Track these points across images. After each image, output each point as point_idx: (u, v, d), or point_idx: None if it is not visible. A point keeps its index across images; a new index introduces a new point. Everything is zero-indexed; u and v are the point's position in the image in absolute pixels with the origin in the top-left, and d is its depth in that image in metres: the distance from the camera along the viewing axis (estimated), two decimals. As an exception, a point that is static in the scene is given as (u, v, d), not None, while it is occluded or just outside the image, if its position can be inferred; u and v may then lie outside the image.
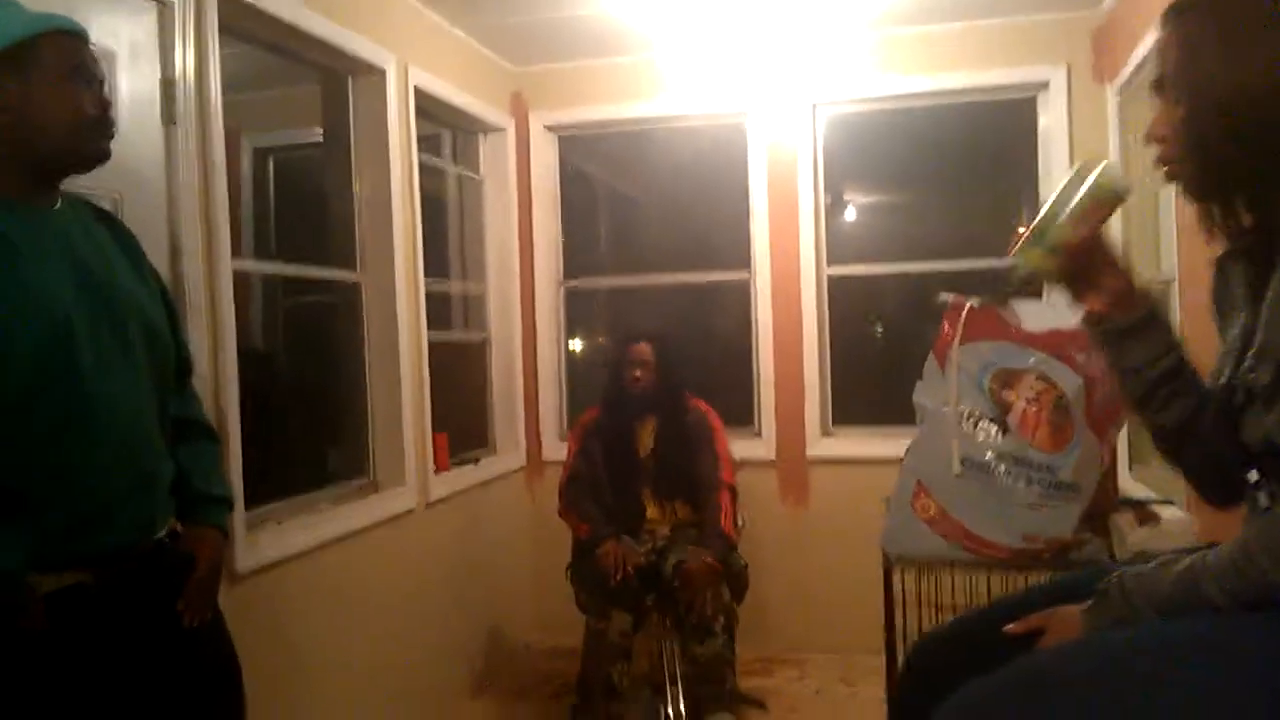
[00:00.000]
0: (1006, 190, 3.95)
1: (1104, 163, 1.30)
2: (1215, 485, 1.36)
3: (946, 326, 2.41)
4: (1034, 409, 2.29)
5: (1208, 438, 1.27)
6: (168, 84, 2.11)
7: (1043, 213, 1.30)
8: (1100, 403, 2.29)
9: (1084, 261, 1.28)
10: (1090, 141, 3.56)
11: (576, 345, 4.26)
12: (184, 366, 1.67)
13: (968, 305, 2.41)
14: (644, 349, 3.25)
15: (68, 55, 1.39)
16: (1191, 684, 1.03)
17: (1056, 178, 3.60)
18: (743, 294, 3.96)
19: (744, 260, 3.94)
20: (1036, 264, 1.30)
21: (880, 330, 4.12)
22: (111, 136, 1.47)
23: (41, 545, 1.34)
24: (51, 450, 1.35)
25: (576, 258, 4.21)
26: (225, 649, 1.62)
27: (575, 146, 4.19)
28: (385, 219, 3.03)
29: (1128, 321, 1.29)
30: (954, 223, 4.06)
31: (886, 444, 3.67)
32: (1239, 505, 1.36)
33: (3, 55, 1.33)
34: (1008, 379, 2.32)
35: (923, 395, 2.43)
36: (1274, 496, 1.14)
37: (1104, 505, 2.43)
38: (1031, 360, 2.32)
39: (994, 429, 2.30)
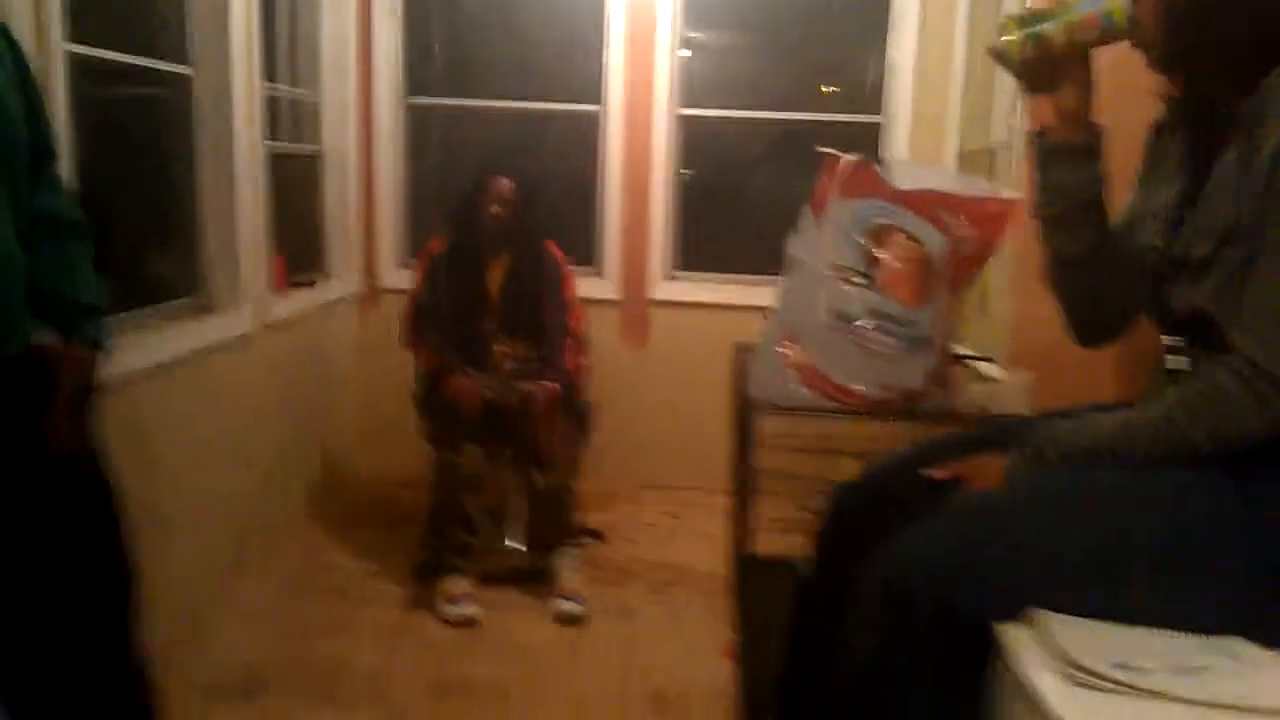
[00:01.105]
0: (859, 46, 3.99)
1: None
2: (1089, 325, 1.47)
3: (824, 180, 2.45)
4: (901, 266, 2.39)
5: (1112, 284, 1.36)
6: None
7: (1049, 7, 1.32)
8: (959, 262, 2.43)
9: (1056, 68, 1.32)
10: (940, 5, 3.63)
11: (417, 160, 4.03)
12: (42, 152, 1.45)
13: (844, 160, 2.46)
14: (506, 185, 3.10)
15: None
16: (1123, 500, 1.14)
17: (905, 37, 3.70)
18: (589, 126, 3.84)
19: (594, 92, 3.81)
20: (1012, 45, 1.33)
21: (687, 175, 4.10)
22: None
23: None
24: None
25: (415, 74, 3.93)
26: (97, 478, 1.47)
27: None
28: (222, 4, 2.68)
29: (1070, 142, 1.35)
30: (809, 75, 4.07)
31: (729, 291, 3.79)
32: (1102, 346, 1.49)
33: None
34: (879, 236, 2.40)
35: (797, 247, 2.47)
36: (1194, 361, 1.24)
37: (945, 359, 2.61)
38: (902, 219, 2.40)
39: (863, 284, 2.39)
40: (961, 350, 3.11)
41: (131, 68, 2.55)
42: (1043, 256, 1.45)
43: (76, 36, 2.13)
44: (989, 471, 1.31)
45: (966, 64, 3.57)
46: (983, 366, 2.92)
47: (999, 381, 2.53)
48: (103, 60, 2.37)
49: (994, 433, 1.42)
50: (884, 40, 3.78)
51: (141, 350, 2.33)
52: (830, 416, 2.47)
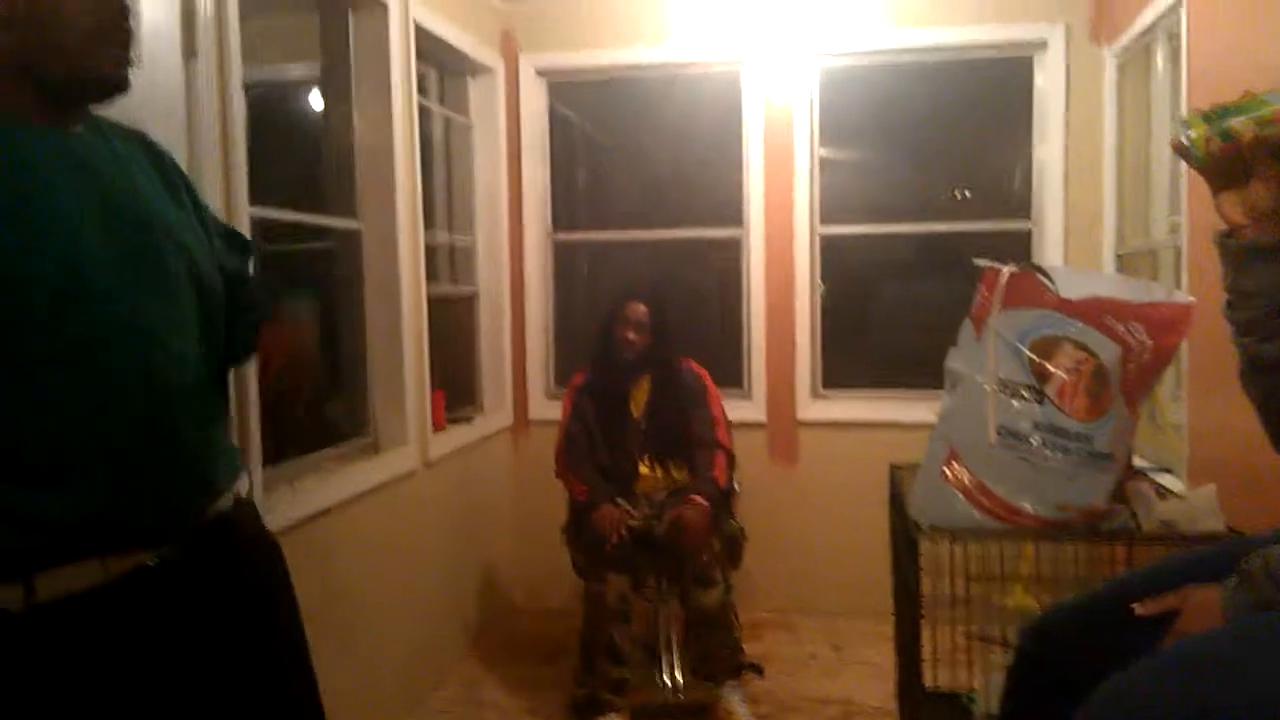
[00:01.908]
0: (1000, 151, 3.95)
1: None
2: None
3: (984, 292, 2.38)
4: (1073, 378, 2.28)
5: None
6: (188, 14, 1.94)
7: (1236, 101, 1.27)
8: (1135, 372, 2.30)
9: (1244, 164, 1.26)
10: (1086, 104, 3.57)
11: (564, 293, 4.15)
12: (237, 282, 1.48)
13: (1005, 271, 2.39)
14: (639, 309, 3.14)
15: None
16: None
17: (1051, 138, 3.64)
18: (733, 251, 3.89)
19: (736, 216, 3.87)
20: (1197, 141, 1.28)
21: (825, 291, 4.07)
22: (128, 50, 1.28)
23: (79, 517, 1.16)
24: (78, 401, 1.16)
25: (562, 209, 4.09)
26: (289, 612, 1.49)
27: (563, 91, 4.05)
28: (387, 163, 2.88)
29: (1262, 242, 1.27)
30: (946, 182, 4.04)
31: (878, 408, 3.71)
32: None
33: None
34: (1047, 347, 2.30)
35: (957, 361, 2.40)
36: None
37: (1126, 475, 2.45)
38: (1070, 329, 2.30)
39: (1031, 398, 2.29)
40: (1137, 463, 2.93)
41: (307, 225, 2.75)
42: (1238, 360, 1.36)
43: (257, 199, 2.30)
44: (1205, 607, 1.20)
45: (1118, 161, 3.47)
46: (1162, 479, 2.74)
47: (1185, 497, 2.35)
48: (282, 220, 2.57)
49: (1200, 560, 1.31)
50: (1028, 142, 3.73)
51: (317, 493, 2.43)
52: (1004, 539, 2.35)
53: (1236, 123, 1.26)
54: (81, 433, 1.17)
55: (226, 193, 2.06)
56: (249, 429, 2.10)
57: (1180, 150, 1.31)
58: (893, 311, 4.05)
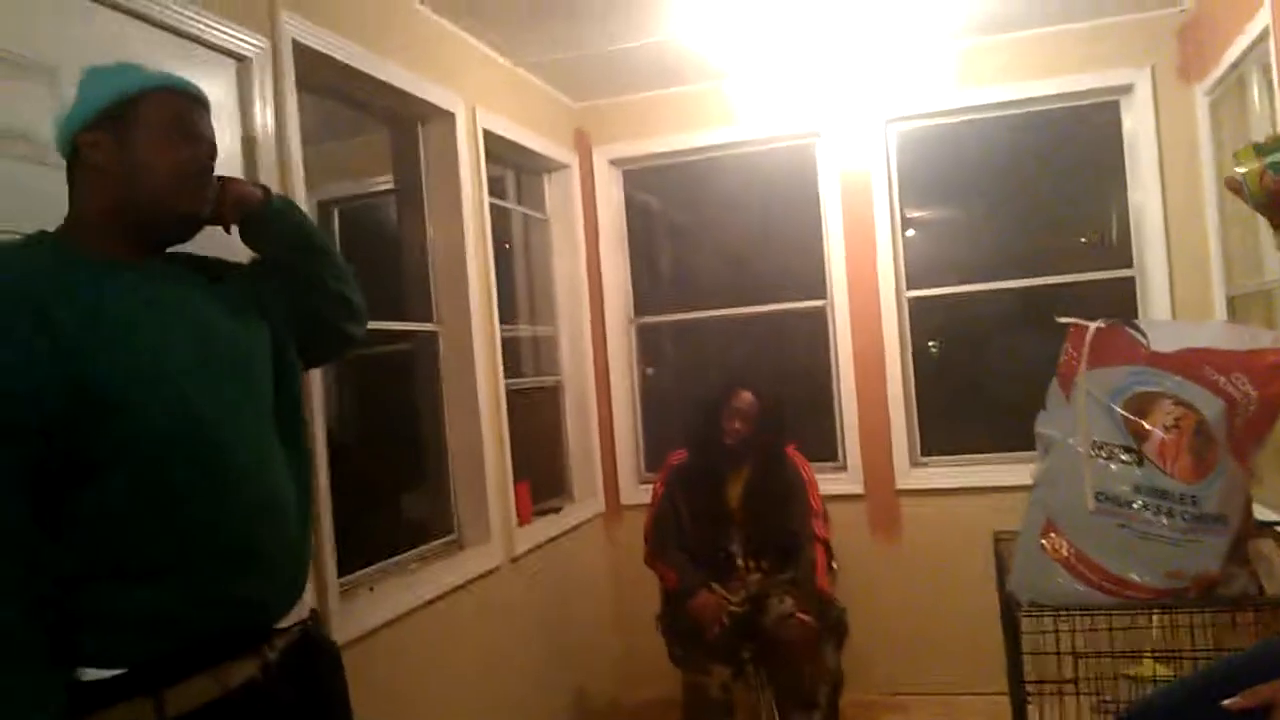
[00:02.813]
0: (1092, 200, 3.79)
1: None
2: None
3: (1070, 350, 2.26)
4: (1173, 436, 2.12)
5: None
6: (249, 142, 2.05)
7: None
8: (1242, 425, 2.13)
9: None
10: (1180, 144, 3.40)
11: (650, 376, 4.14)
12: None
13: (1092, 327, 2.26)
14: (747, 398, 3.09)
15: (168, 110, 1.35)
16: None
17: (1146, 182, 3.47)
18: (817, 323, 3.83)
19: (819, 288, 3.81)
20: (1251, 176, 1.18)
21: (935, 350, 3.94)
22: (211, 194, 1.42)
23: (193, 618, 1.27)
24: (189, 520, 1.28)
25: (642, 292, 4.11)
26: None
27: (639, 178, 4.10)
28: (460, 266, 2.95)
29: None
30: (1036, 236, 3.89)
31: (982, 473, 3.53)
32: None
33: (104, 115, 1.31)
34: (1141, 405, 2.16)
35: (1047, 425, 2.27)
36: None
37: (1245, 533, 2.25)
38: (1166, 384, 2.15)
39: (1129, 460, 2.14)
40: (1267, 517, 2.70)
41: (388, 331, 2.83)
42: None
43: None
44: None
45: (1219, 200, 3.28)
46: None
47: (1320, 557, 2.14)
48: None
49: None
50: (1123, 188, 3.57)
51: (397, 596, 2.45)
52: (1113, 613, 2.17)
53: None
54: (194, 541, 1.28)
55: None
56: (321, 536, 2.13)
57: (1234, 187, 1.22)
58: (992, 372, 3.88)
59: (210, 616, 1.29)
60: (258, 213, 1.52)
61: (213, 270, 1.49)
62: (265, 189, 1.56)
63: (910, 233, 3.84)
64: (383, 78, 2.56)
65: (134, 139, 1.32)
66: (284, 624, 1.40)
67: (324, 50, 2.31)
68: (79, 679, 1.19)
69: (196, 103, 1.40)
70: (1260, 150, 1.20)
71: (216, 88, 2.00)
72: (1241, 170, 1.21)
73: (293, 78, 2.19)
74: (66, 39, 1.65)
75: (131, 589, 1.23)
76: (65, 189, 1.34)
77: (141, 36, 1.81)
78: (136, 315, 1.29)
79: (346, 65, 2.42)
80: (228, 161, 2.02)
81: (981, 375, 3.89)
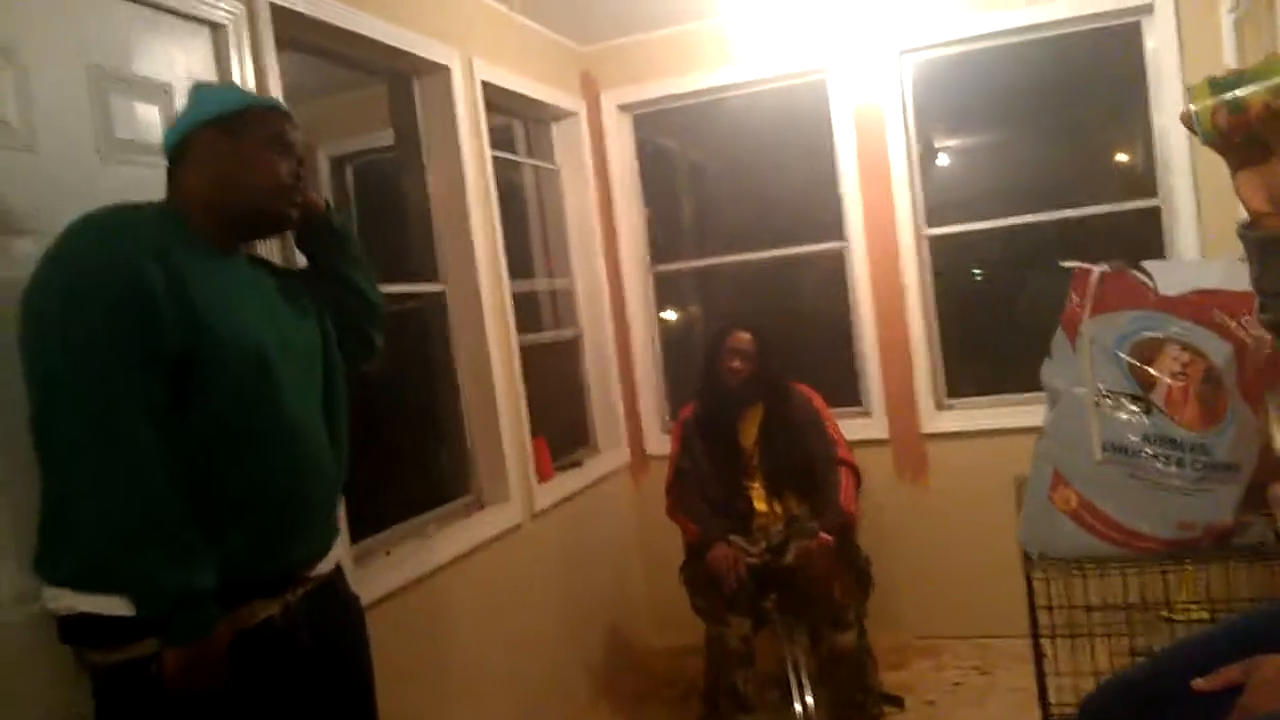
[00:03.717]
0: (1115, 124, 3.65)
1: None
2: None
3: (1074, 297, 2.21)
4: (1180, 383, 2.07)
5: None
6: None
7: (1256, 65, 1.12)
8: (1254, 369, 2.07)
9: (1259, 138, 1.10)
10: (1204, 65, 3.23)
11: (670, 322, 4.12)
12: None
13: (1096, 271, 2.20)
14: (743, 338, 3.08)
15: (270, 126, 1.58)
16: None
17: (1170, 106, 3.32)
18: (836, 265, 3.76)
19: (836, 229, 3.73)
20: (1203, 112, 1.12)
21: (980, 277, 3.84)
22: (300, 203, 1.65)
23: (241, 557, 1.45)
24: (257, 463, 1.48)
25: (665, 238, 4.06)
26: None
27: (650, 122, 4.03)
28: (463, 223, 2.93)
29: None
30: (1059, 165, 3.77)
31: (1008, 414, 3.47)
32: None
33: (220, 121, 1.54)
34: (1148, 351, 2.11)
35: (1053, 375, 2.23)
36: None
37: (1264, 478, 2.20)
38: (1173, 328, 2.10)
39: (1137, 408, 2.09)
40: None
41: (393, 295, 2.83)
42: None
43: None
44: (1276, 680, 1.04)
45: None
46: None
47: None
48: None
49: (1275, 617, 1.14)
50: (1147, 112, 3.42)
51: (417, 558, 2.50)
52: (1125, 565, 2.15)
53: (1247, 91, 1.09)
54: (257, 483, 1.48)
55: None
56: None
57: (1186, 122, 1.15)
58: (1018, 309, 3.79)
59: (262, 556, 1.48)
60: (320, 222, 1.75)
61: (276, 270, 1.74)
62: (327, 201, 1.79)
63: (934, 163, 3.74)
64: (367, 34, 2.51)
65: (244, 145, 1.54)
66: (312, 574, 1.60)
67: (302, 10, 2.27)
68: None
69: (290, 120, 1.62)
70: (1215, 86, 1.13)
71: (191, 57, 1.99)
72: (1194, 106, 1.14)
73: (271, 41, 2.16)
74: (29, 11, 1.63)
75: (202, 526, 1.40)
76: (15, 171, 1.54)
77: (110, 7, 1.79)
78: (229, 285, 1.52)
79: (327, 23, 2.38)
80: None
81: (1007, 313, 3.81)
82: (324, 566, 1.64)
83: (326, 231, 1.77)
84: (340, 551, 1.70)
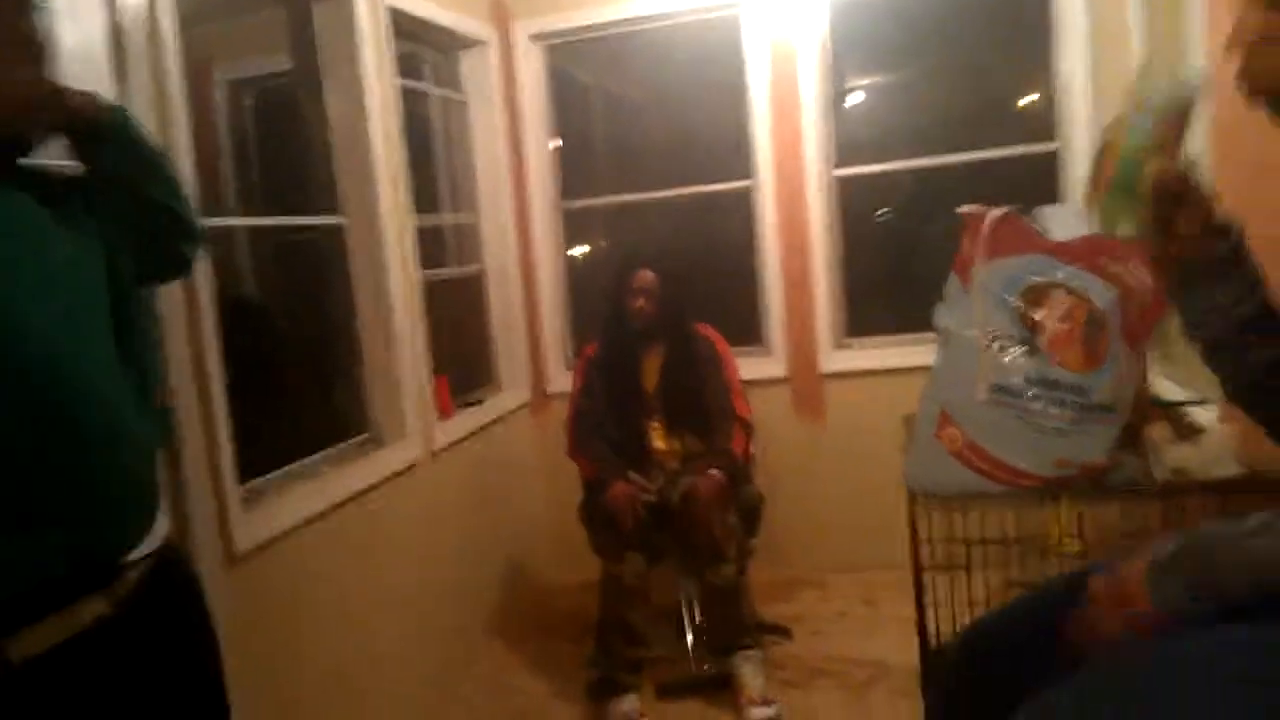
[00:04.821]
0: (1021, 67, 3.70)
1: (1159, 81, 1.14)
2: None
3: (967, 242, 2.24)
4: (1065, 327, 2.13)
5: None
6: (116, 30, 1.91)
7: (1120, 158, 1.14)
8: (1137, 314, 2.14)
9: (1174, 198, 1.13)
10: (1109, 12, 3.30)
11: (579, 259, 4.09)
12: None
13: (989, 217, 2.24)
14: (646, 276, 3.08)
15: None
16: None
17: (1073, 52, 3.38)
18: (745, 204, 3.76)
19: (745, 168, 3.73)
20: (1127, 220, 1.16)
21: (886, 218, 3.90)
22: (58, 111, 1.33)
23: (45, 552, 1.20)
24: (24, 445, 1.18)
25: (576, 175, 4.00)
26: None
27: (563, 54, 3.94)
28: (364, 155, 2.83)
29: (1204, 258, 1.14)
30: (967, 108, 3.82)
31: (905, 354, 3.54)
32: None
33: None
34: (1037, 296, 2.16)
35: (945, 317, 2.27)
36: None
37: (1139, 421, 2.29)
38: (1061, 274, 2.15)
39: (1022, 351, 2.15)
40: (1175, 396, 2.74)
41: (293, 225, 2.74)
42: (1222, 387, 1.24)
43: (226, 208, 2.28)
44: (1122, 595, 1.07)
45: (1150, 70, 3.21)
46: (1201, 415, 2.55)
47: (1200, 443, 2.19)
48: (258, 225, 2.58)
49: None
50: (1048, 56, 3.48)
51: (310, 498, 2.45)
52: (1006, 502, 2.23)
53: (1142, 175, 1.15)
54: (36, 480, 1.19)
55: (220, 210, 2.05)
56: (219, 442, 2.11)
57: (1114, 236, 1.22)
58: (919, 251, 3.86)
59: (49, 556, 1.21)
60: (89, 125, 1.39)
61: (48, 183, 1.37)
62: (98, 98, 1.42)
63: (844, 104, 3.74)
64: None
65: None
66: (136, 556, 1.33)
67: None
68: None
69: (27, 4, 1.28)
70: (1114, 198, 1.17)
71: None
72: (1115, 228, 1.19)
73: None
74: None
75: None
76: None
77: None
78: None
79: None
80: (92, 53, 1.91)
81: (910, 255, 3.87)
82: (148, 546, 1.36)
83: (100, 136, 1.41)
84: (166, 524, 1.42)
